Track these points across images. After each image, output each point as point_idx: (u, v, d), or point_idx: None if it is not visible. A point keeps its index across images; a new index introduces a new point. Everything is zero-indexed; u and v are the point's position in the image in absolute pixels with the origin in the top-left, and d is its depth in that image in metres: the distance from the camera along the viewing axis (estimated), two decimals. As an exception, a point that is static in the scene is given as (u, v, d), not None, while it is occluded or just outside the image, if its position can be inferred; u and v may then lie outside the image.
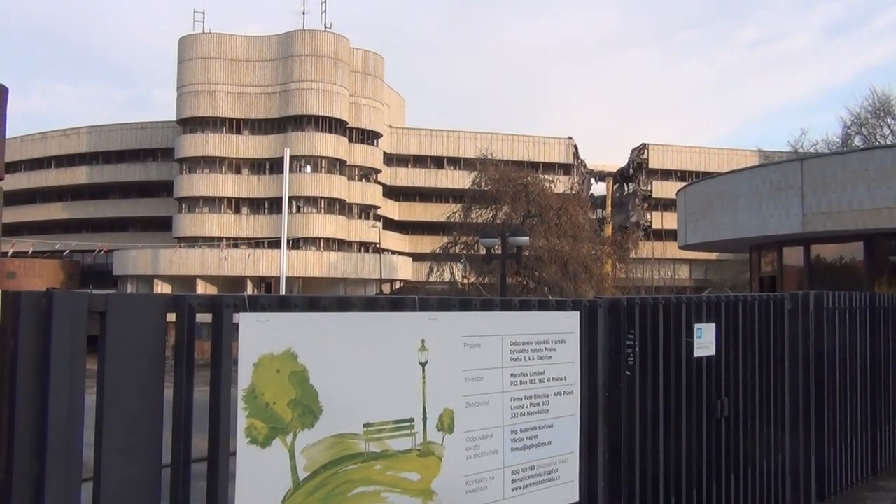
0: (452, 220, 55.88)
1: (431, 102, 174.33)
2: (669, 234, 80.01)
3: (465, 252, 53.87)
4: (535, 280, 49.29)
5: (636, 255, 63.91)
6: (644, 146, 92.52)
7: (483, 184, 54.37)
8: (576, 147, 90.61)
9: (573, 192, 61.13)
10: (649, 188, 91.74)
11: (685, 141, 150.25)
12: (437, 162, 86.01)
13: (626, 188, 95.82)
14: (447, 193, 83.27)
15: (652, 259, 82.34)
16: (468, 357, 6.34)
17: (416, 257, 77.96)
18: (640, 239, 75.34)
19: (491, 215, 52.55)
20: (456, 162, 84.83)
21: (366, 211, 79.65)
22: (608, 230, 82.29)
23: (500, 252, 33.70)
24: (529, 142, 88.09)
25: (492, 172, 54.70)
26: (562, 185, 63.85)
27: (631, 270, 62.94)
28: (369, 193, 79.43)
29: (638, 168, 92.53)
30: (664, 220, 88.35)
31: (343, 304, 5.70)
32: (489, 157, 59.93)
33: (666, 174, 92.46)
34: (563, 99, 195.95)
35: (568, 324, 7.19)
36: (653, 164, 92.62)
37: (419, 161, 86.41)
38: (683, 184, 34.89)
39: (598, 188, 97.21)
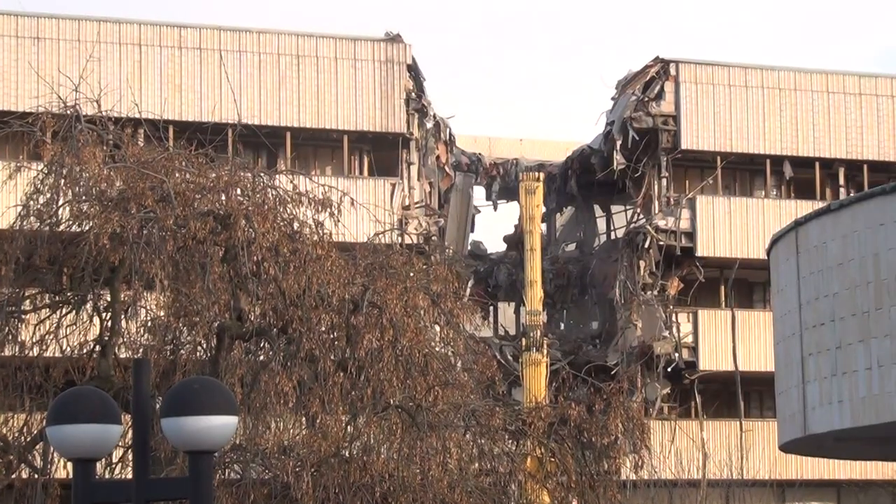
0: None
1: None
2: (760, 387, 35.69)
3: None
4: None
5: (646, 470, 21.95)
6: (663, 65, 36.56)
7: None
8: (414, 72, 35.13)
9: (404, 236, 28.78)
10: (674, 216, 36.45)
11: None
12: None
13: (603, 227, 41.24)
14: None
15: (703, 485, 34.23)
16: None
17: None
18: (662, 411, 36.39)
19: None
20: None
21: None
22: (536, 382, 31.99)
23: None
24: (213, 38, 33.29)
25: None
26: (365, 215, 25.75)
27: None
28: None
29: (647, 145, 36.42)
30: (747, 336, 35.88)
31: None
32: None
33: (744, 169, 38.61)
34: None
35: None
36: (688, 141, 35.98)
37: None
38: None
39: (498, 225, 41.23)
